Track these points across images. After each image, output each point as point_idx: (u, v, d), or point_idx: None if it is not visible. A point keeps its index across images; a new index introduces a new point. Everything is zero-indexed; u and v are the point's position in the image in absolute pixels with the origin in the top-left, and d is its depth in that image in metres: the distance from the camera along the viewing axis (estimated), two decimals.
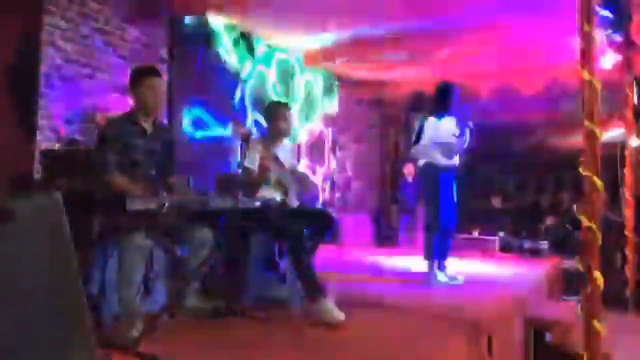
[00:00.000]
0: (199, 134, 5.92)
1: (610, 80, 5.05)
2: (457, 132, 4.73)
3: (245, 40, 6.52)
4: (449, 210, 4.72)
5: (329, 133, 8.48)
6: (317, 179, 8.14)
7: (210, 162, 5.84)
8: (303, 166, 7.38)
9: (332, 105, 8.51)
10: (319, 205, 7.53)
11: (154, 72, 3.08)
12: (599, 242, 2.67)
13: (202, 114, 5.95)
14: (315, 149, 8.15)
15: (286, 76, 7.36)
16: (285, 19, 5.98)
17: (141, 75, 3.02)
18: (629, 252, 5.63)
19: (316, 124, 8.16)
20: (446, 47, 6.19)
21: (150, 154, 3.01)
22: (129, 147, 2.91)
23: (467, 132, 4.78)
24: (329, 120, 8.47)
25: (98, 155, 2.91)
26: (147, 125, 3.02)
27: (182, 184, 3.80)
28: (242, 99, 6.60)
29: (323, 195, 8.25)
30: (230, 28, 6.22)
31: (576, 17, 2.78)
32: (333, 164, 8.59)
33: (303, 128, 7.80)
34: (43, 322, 1.63)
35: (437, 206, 4.66)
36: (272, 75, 7.08)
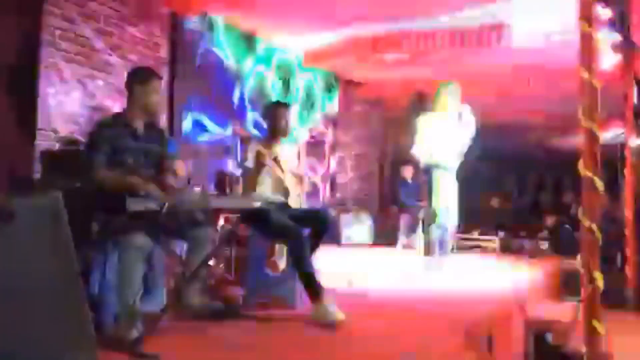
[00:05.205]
0: (198, 134, 5.92)
1: (610, 80, 5.04)
2: (459, 132, 4.74)
3: (245, 40, 6.53)
4: (449, 210, 4.73)
5: (329, 133, 8.48)
6: (317, 178, 8.14)
7: (211, 163, 5.84)
8: (303, 166, 7.38)
9: (332, 105, 8.50)
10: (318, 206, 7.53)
11: (157, 75, 3.05)
12: (599, 242, 2.66)
13: (202, 114, 5.95)
14: (315, 149, 8.15)
15: (286, 76, 7.36)
16: (286, 19, 5.98)
17: (146, 78, 2.98)
18: (629, 252, 5.61)
19: (316, 124, 8.16)
20: (446, 47, 6.18)
21: (144, 155, 2.97)
22: (119, 149, 2.87)
23: (468, 132, 4.79)
24: (329, 120, 8.46)
25: (86, 157, 2.88)
26: (139, 127, 2.98)
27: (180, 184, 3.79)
28: (242, 99, 6.60)
29: (323, 195, 8.25)
30: (230, 27, 6.22)
31: (576, 17, 2.78)
32: (333, 164, 8.58)
33: (303, 128, 7.80)
34: (43, 322, 1.63)
35: (437, 206, 4.67)
36: (271, 75, 7.08)
